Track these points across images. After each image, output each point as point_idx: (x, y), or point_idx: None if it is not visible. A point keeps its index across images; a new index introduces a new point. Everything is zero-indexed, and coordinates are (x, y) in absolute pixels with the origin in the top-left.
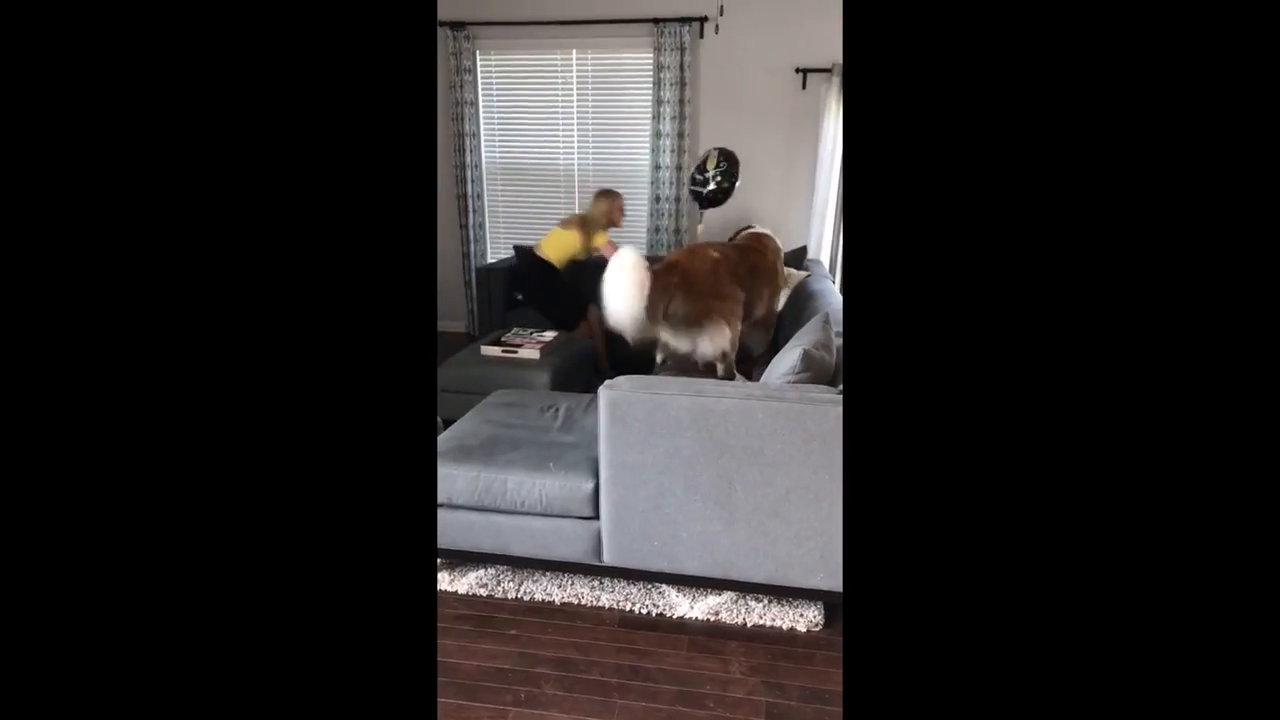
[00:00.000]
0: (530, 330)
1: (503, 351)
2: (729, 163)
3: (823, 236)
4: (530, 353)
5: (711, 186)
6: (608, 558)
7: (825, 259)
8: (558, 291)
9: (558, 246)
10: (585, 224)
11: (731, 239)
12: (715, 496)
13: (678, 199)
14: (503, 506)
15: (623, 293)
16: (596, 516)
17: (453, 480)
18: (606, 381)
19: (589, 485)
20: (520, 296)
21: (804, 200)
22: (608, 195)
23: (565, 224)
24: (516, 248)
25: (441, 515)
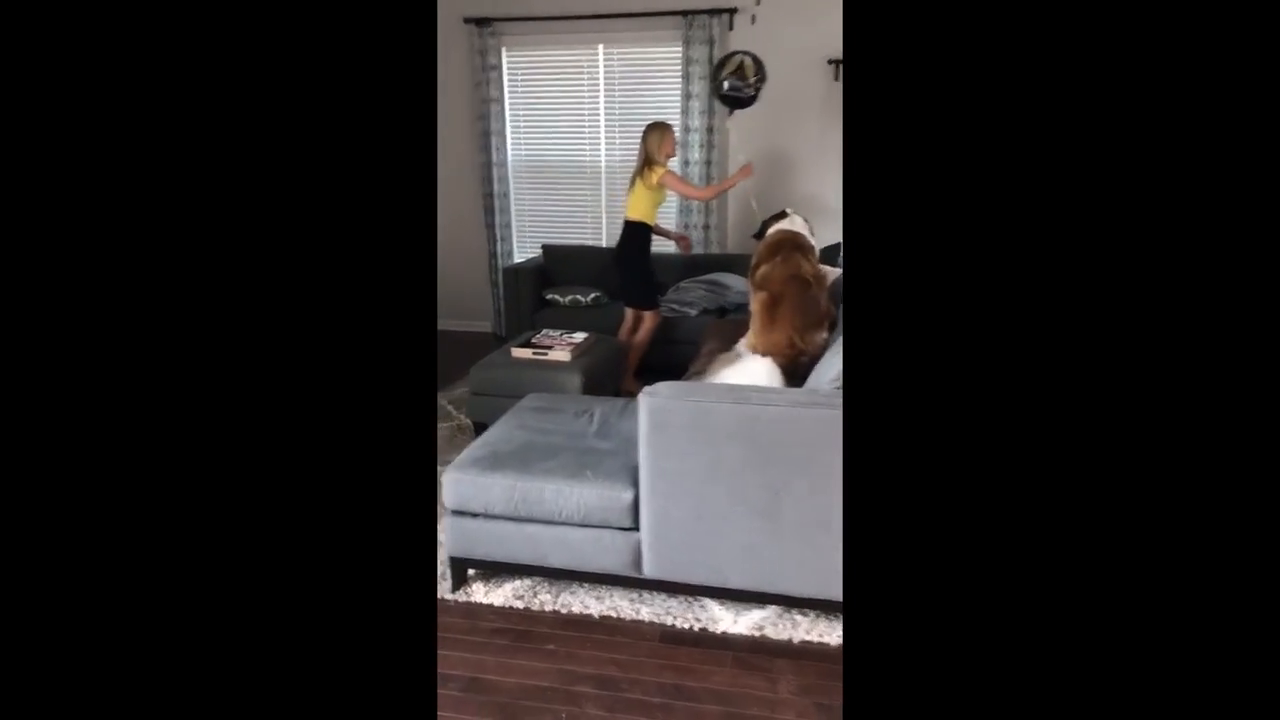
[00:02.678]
0: (560, 331)
1: (533, 354)
2: (760, 68)
3: None
4: (561, 354)
5: (751, 93)
6: (648, 570)
7: None
8: (646, 268)
9: (637, 201)
10: (645, 167)
11: (764, 230)
12: (761, 507)
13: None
14: (539, 516)
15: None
16: (636, 527)
17: (488, 489)
18: (646, 388)
19: (628, 495)
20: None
21: (837, 193)
22: (656, 128)
23: (632, 182)
24: (545, 247)
25: (477, 525)
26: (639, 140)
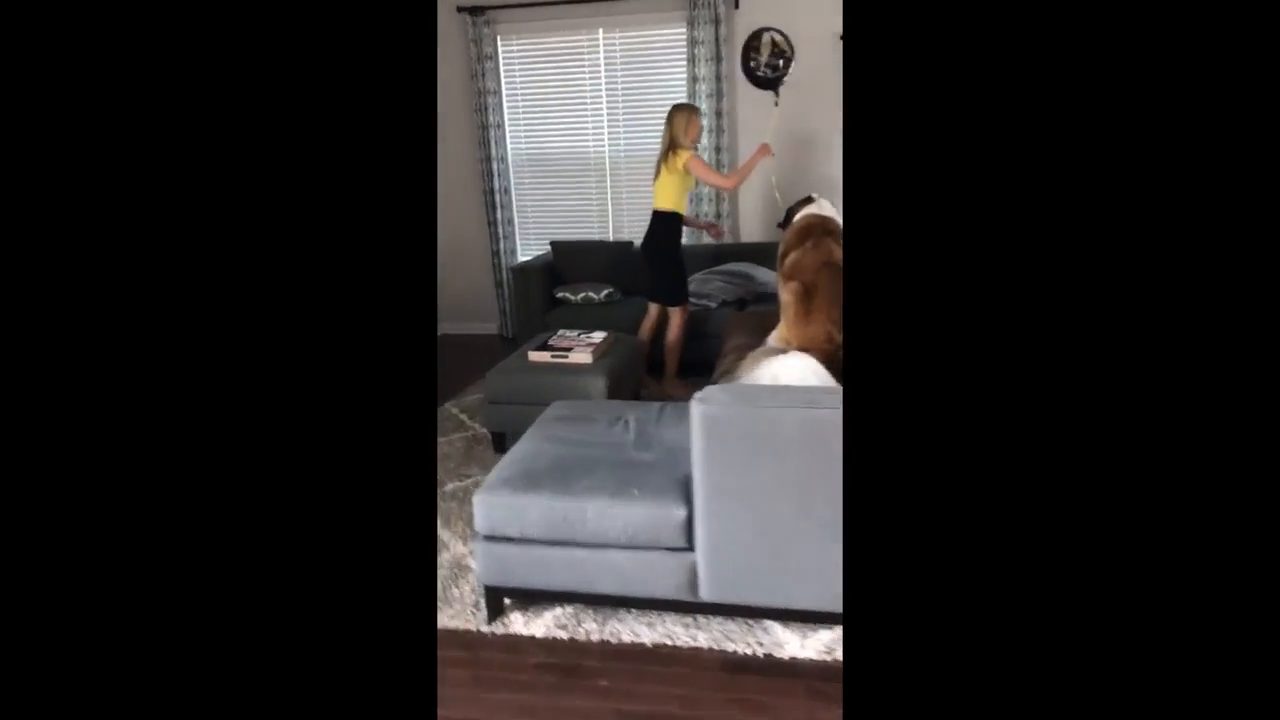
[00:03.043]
0: (577, 331)
1: (552, 357)
2: (789, 40)
3: None
4: (582, 356)
5: (771, 74)
6: (705, 593)
7: None
8: (678, 262)
9: (664, 189)
10: (670, 151)
11: (790, 217)
12: (830, 521)
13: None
14: (582, 539)
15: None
16: (690, 548)
17: (524, 511)
18: (698, 394)
19: (680, 513)
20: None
21: None
22: (683, 110)
23: (656, 169)
24: (554, 243)
25: (513, 551)
26: (656, 125)
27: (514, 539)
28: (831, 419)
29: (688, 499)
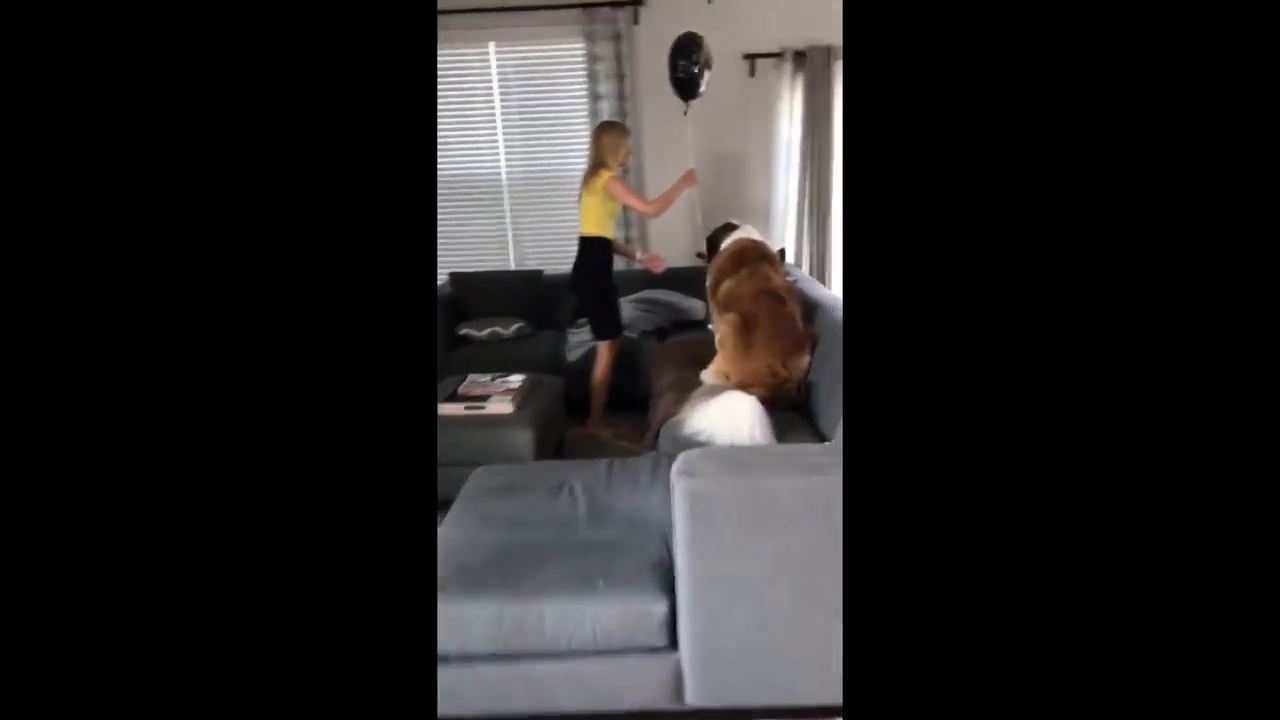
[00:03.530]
0: (490, 375)
1: (466, 408)
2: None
3: (786, 236)
4: (501, 405)
5: (701, 84)
6: (692, 698)
7: (791, 258)
8: (603, 291)
9: (587, 213)
10: (595, 170)
11: (713, 245)
12: (838, 603)
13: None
14: (540, 650)
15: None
16: (674, 647)
17: (465, 623)
18: (680, 466)
19: (660, 607)
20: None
21: (763, 197)
22: (613, 129)
23: (581, 189)
24: (453, 274)
25: (453, 674)
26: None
27: (452, 658)
28: (836, 485)
29: (667, 588)
